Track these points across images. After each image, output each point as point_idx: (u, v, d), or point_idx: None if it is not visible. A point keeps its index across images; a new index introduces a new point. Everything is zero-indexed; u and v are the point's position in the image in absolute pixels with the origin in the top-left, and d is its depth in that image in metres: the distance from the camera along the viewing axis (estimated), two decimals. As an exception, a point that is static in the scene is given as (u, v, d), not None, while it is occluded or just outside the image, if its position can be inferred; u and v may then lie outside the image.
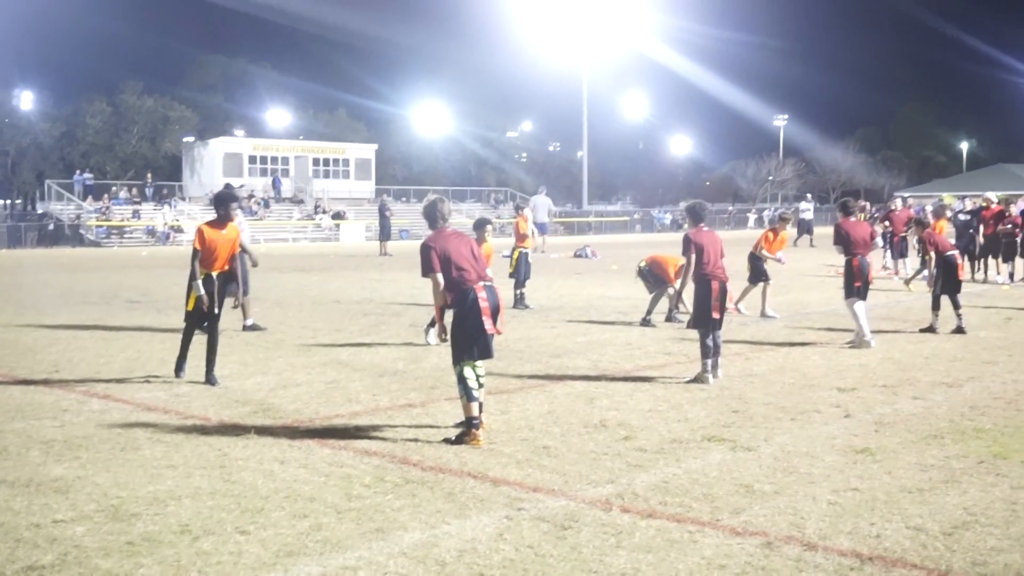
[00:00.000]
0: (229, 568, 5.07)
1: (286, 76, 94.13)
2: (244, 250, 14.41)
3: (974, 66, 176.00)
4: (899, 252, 24.45)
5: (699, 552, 5.29)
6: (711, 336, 10.18)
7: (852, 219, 13.22)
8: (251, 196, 60.94)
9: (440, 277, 7.80)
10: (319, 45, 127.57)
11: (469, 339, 7.72)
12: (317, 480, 6.62)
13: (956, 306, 13.87)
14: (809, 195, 53.55)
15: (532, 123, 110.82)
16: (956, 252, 14.26)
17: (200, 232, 10.08)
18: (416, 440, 7.72)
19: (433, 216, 8.08)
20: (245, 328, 14.32)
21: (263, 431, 8.01)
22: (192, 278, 10.09)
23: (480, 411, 7.76)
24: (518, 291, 17.51)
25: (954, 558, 5.19)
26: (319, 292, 21.06)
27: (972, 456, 7.24)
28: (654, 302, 14.96)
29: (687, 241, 10.35)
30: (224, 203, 10.26)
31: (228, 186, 16.29)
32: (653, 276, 14.98)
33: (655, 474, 6.79)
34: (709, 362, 10.15)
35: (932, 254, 13.98)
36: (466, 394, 7.66)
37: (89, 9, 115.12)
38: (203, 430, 8.08)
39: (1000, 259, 23.39)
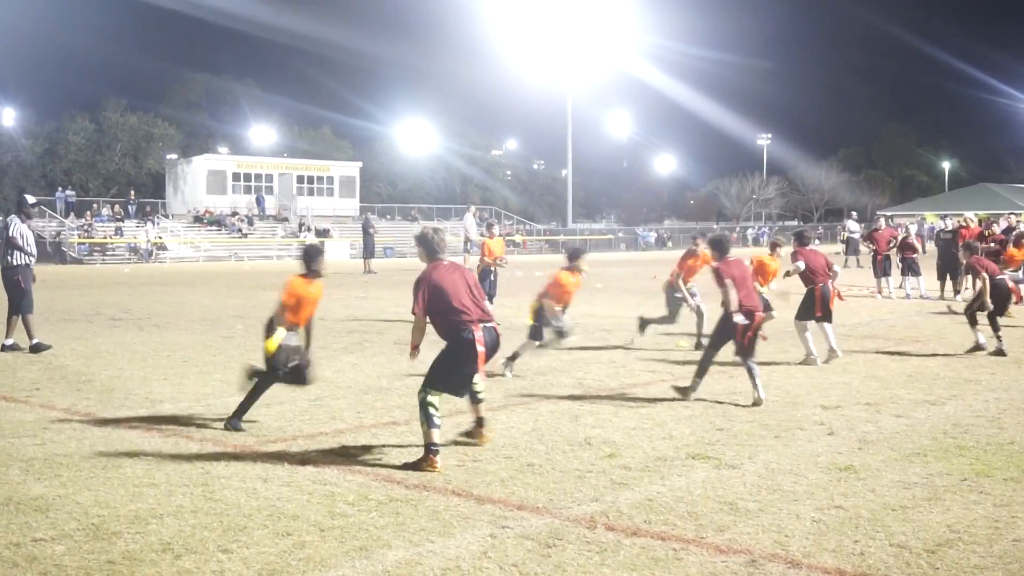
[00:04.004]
0: (211, 587, 5.03)
1: (270, 94, 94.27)
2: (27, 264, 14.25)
3: (956, 86, 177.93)
4: (882, 271, 24.56)
5: (683, 570, 5.28)
6: (709, 360, 10.26)
7: (809, 248, 13.36)
8: (234, 213, 60.88)
9: (422, 317, 7.61)
10: (304, 63, 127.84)
11: (452, 374, 7.57)
12: (300, 498, 6.59)
13: (995, 328, 13.55)
14: (854, 213, 52.91)
15: (517, 141, 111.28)
16: (1006, 277, 13.94)
17: (291, 286, 8.94)
18: (400, 458, 7.69)
19: (428, 248, 7.79)
20: (30, 348, 13.88)
21: (246, 449, 7.96)
22: (274, 326, 8.83)
23: (482, 425, 7.98)
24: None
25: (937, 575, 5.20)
26: (303, 310, 20.96)
27: (955, 474, 7.26)
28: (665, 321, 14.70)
29: (717, 274, 10.23)
30: (314, 258, 9.15)
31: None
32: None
33: (639, 492, 6.78)
34: (701, 381, 10.18)
35: (985, 276, 13.49)
36: (427, 421, 7.42)
37: (73, 26, 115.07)
38: (185, 448, 8.04)
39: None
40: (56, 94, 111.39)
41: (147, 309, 21.21)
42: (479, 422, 8.08)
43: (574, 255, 11.87)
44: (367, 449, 8.01)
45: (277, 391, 10.70)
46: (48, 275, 35.39)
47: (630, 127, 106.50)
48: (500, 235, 19.15)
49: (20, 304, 13.96)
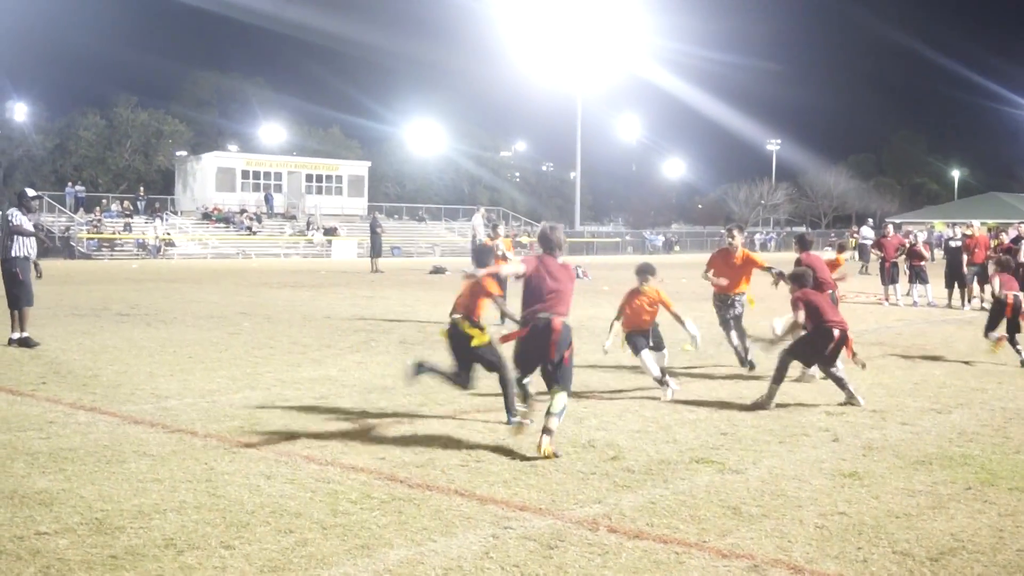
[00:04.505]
0: (213, 583, 5.04)
1: (280, 93, 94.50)
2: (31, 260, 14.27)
3: (966, 95, 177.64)
4: (890, 278, 24.52)
5: (685, 574, 5.27)
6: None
7: (814, 253, 12.65)
8: (243, 211, 60.97)
9: (507, 270, 8.51)
10: (314, 62, 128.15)
11: (519, 355, 8.30)
12: (303, 496, 6.59)
13: (1013, 343, 13.50)
14: (870, 220, 52.95)
15: (526, 143, 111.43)
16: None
17: (492, 281, 9.00)
18: (404, 457, 7.69)
19: (543, 243, 8.34)
20: (17, 342, 13.79)
21: (250, 446, 7.97)
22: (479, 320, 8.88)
23: (545, 429, 7.82)
24: None
25: (940, 584, 5.18)
26: (310, 308, 21.03)
27: (960, 482, 7.23)
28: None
29: (795, 304, 10.31)
30: (487, 258, 9.55)
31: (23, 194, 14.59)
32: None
33: (642, 495, 6.77)
34: (778, 388, 10.06)
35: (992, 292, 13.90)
36: (520, 391, 8.84)
37: (85, 23, 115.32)
38: (190, 444, 8.05)
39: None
40: (67, 90, 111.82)
41: (154, 305, 21.25)
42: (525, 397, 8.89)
43: (641, 271, 10.98)
44: (371, 448, 8.01)
45: (282, 389, 10.73)
46: (56, 270, 35.52)
47: (639, 130, 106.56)
48: (507, 235, 19.34)
49: (19, 298, 13.94)
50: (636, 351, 10.77)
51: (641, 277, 10.92)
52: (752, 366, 12.24)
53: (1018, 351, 13.39)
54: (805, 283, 10.59)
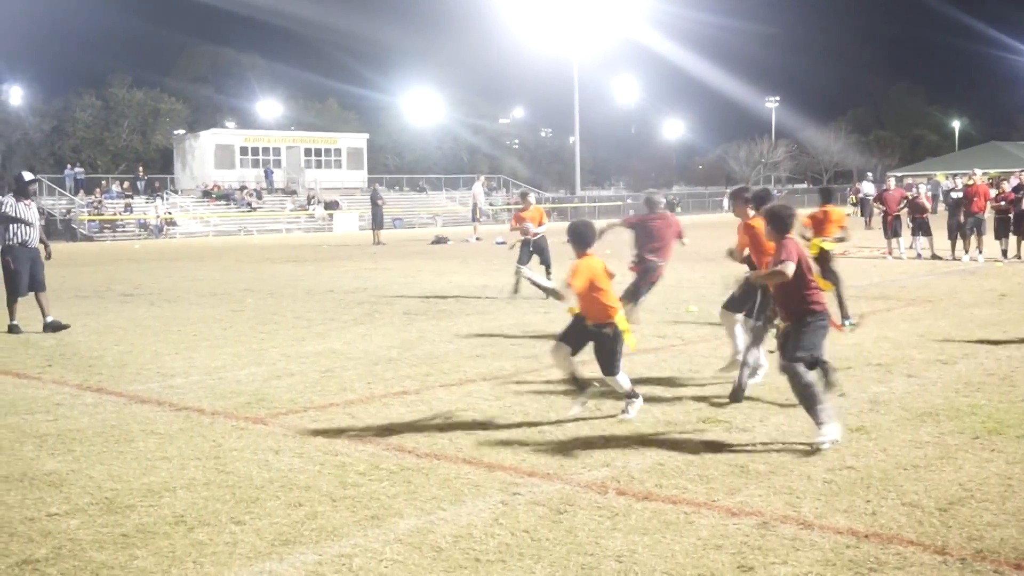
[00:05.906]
0: (224, 558, 5.05)
1: (276, 66, 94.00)
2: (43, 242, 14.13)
3: (965, 43, 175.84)
4: (893, 232, 24.48)
5: (695, 533, 5.28)
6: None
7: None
8: (242, 188, 60.89)
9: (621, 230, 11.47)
10: (309, 34, 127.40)
11: None
12: (312, 469, 6.61)
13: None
14: (870, 174, 52.64)
15: (523, 110, 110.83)
16: None
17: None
18: (411, 427, 7.71)
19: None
20: (49, 327, 13.60)
21: (257, 421, 7.99)
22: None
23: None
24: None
25: (950, 534, 5.18)
26: (313, 282, 21.03)
27: (967, 432, 7.24)
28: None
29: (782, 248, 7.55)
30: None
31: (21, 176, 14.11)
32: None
33: (650, 456, 6.77)
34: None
35: None
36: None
37: (77, 1, 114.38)
38: (197, 421, 8.06)
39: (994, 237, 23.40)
40: (62, 71, 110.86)
41: (157, 284, 21.26)
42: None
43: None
44: (378, 419, 8.02)
45: (287, 363, 10.73)
46: (58, 253, 35.39)
47: (637, 93, 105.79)
48: (536, 203, 18.27)
49: (16, 286, 13.61)
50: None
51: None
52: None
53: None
54: (787, 227, 7.34)
